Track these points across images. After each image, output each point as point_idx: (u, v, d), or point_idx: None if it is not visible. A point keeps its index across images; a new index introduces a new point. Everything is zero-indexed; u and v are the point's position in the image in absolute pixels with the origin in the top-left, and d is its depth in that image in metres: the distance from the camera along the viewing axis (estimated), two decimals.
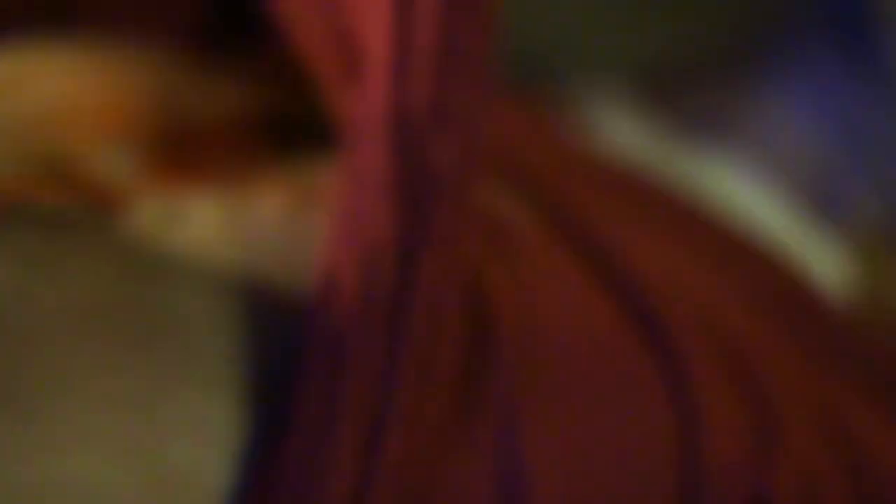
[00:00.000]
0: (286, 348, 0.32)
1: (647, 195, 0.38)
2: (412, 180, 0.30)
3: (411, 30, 0.30)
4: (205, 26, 0.46)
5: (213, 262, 0.36)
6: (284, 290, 0.35)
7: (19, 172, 0.39)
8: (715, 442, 0.31)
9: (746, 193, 0.53)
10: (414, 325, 0.30)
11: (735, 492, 0.31)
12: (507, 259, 0.33)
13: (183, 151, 0.40)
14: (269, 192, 0.39)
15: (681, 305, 0.34)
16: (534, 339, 0.32)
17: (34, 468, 0.32)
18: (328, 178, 0.39)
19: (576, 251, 0.34)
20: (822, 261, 0.51)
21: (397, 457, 0.29)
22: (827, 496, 0.31)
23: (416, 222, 0.30)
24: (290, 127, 0.42)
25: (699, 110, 0.54)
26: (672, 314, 0.33)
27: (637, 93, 0.55)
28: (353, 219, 0.31)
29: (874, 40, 0.53)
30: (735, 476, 0.31)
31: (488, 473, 0.29)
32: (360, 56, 0.32)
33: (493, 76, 0.31)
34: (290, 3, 0.34)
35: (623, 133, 0.54)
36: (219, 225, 0.38)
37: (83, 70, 0.43)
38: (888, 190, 0.52)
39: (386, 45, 0.30)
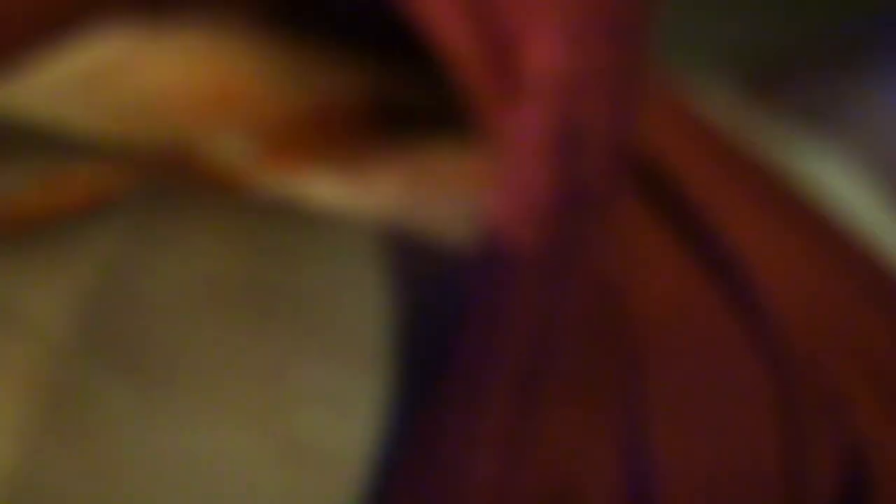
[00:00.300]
0: (424, 321, 0.33)
1: (766, 182, 0.38)
2: (568, 142, 0.31)
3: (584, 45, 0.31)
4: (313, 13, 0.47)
5: (339, 234, 0.36)
6: (412, 261, 0.35)
7: (138, 155, 0.39)
8: (820, 457, 0.31)
9: (846, 186, 0.53)
10: (571, 286, 0.30)
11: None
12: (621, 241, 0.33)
13: (297, 135, 0.41)
14: (385, 170, 0.39)
15: (793, 298, 0.33)
16: (657, 332, 0.32)
17: (164, 438, 0.32)
18: (442, 156, 0.40)
19: (686, 236, 0.34)
20: None
21: (546, 435, 0.29)
22: None
23: (573, 183, 0.30)
24: (394, 111, 0.42)
25: (803, 101, 0.54)
26: (782, 309, 0.33)
27: (738, 82, 0.55)
28: (517, 182, 0.31)
29: None
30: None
31: (617, 468, 0.29)
32: (517, 63, 0.32)
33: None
34: (436, 7, 0.34)
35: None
36: (338, 203, 0.38)
37: (196, 55, 0.43)
38: None
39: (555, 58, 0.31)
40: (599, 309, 0.31)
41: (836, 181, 0.53)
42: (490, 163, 0.39)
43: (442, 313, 0.32)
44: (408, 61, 0.44)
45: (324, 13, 0.46)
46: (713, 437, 0.31)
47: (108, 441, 0.32)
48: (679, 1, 0.55)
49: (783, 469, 0.31)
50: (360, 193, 0.39)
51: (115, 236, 0.35)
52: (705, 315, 0.32)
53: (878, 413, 0.31)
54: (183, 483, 0.32)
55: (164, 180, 0.38)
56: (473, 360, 0.30)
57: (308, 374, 0.33)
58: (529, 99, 0.32)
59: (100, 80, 0.42)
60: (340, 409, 0.32)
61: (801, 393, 0.32)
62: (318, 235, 0.36)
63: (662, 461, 0.30)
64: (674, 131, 0.35)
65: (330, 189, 0.39)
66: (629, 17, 0.32)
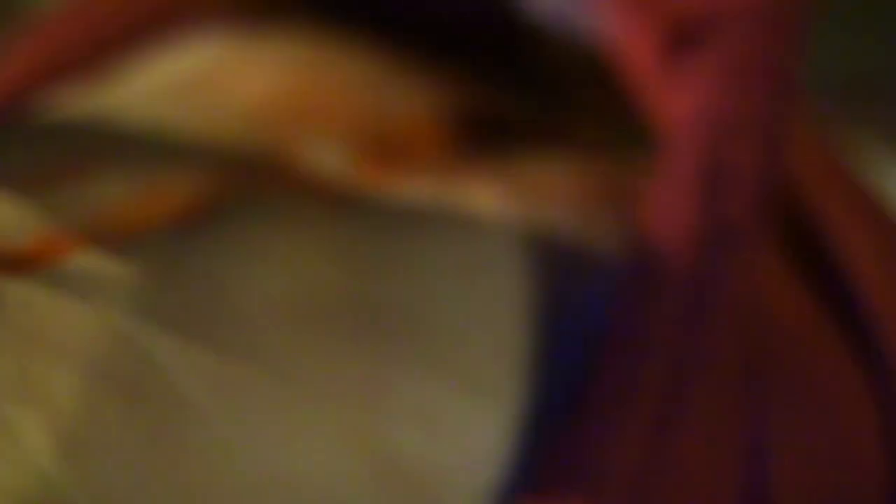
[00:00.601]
0: (543, 340, 0.32)
1: (887, 220, 0.37)
2: (717, 179, 0.31)
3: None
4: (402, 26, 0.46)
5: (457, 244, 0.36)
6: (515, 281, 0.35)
7: (236, 163, 0.38)
8: None
9: None
10: (709, 318, 0.30)
11: None
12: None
13: (393, 145, 0.40)
14: (480, 184, 0.39)
15: None
16: (783, 362, 0.32)
17: (255, 460, 0.32)
18: (541, 172, 0.39)
19: (816, 270, 0.35)
20: None
21: (685, 448, 0.29)
22: None
23: (716, 224, 0.31)
24: (486, 126, 0.42)
25: (888, 124, 0.53)
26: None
27: (827, 105, 0.54)
28: (662, 213, 0.32)
29: None
30: None
31: (735, 473, 0.29)
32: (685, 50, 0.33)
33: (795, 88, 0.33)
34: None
35: None
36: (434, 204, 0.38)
37: (294, 62, 0.43)
38: None
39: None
40: (735, 340, 0.31)
41: None
42: (594, 178, 0.38)
43: (578, 334, 0.32)
44: (504, 73, 0.44)
45: (421, 21, 0.46)
46: (827, 463, 0.31)
47: (198, 452, 0.31)
48: None
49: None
50: (457, 205, 0.38)
51: (211, 248, 0.35)
52: (828, 350, 0.33)
53: None
54: (273, 494, 0.31)
55: (261, 187, 0.37)
56: (613, 383, 0.30)
57: (411, 393, 0.32)
58: (682, 132, 0.33)
59: (198, 85, 0.42)
60: (444, 431, 0.32)
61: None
62: (430, 245, 0.35)
63: (779, 490, 0.30)
64: (809, 165, 0.35)
65: (425, 196, 0.38)
66: (783, 57, 0.33)
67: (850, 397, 0.32)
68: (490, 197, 0.38)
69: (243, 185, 0.37)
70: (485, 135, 0.42)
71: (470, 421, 0.32)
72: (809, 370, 0.32)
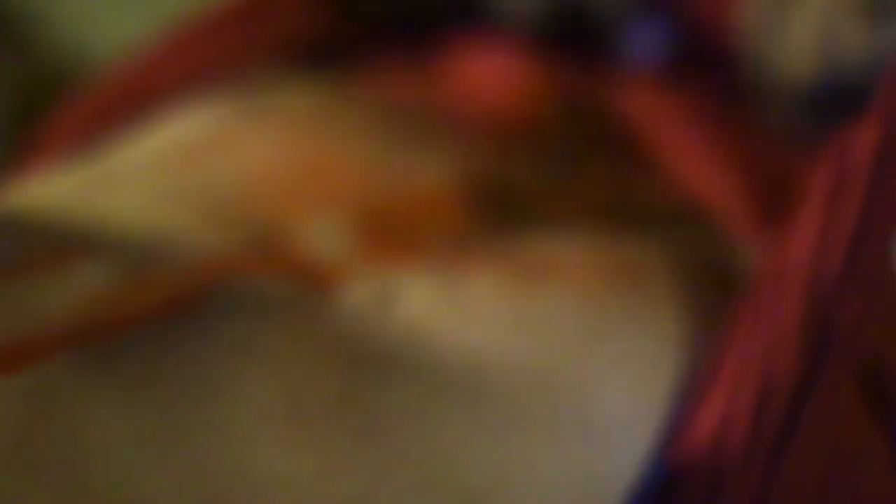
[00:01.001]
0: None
1: None
2: (818, 333, 0.34)
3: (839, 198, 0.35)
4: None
5: (435, 349, 0.34)
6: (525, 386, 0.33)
7: (226, 243, 0.37)
8: None
9: None
10: (792, 469, 0.32)
11: None
12: None
13: (394, 223, 0.38)
14: (483, 270, 0.37)
15: None
16: None
17: None
18: (551, 250, 0.37)
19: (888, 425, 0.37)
20: None
21: None
22: None
23: (813, 372, 0.33)
24: (497, 199, 0.40)
25: None
26: None
27: None
28: (754, 360, 0.34)
29: None
30: None
31: None
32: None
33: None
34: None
35: None
36: (433, 305, 0.36)
37: (293, 131, 0.41)
38: None
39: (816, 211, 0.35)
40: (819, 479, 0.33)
41: None
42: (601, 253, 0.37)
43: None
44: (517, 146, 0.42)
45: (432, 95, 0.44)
46: None
47: None
48: None
49: None
50: (455, 293, 0.36)
51: (194, 348, 0.33)
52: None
53: None
54: None
55: (253, 275, 0.36)
56: None
57: None
58: (786, 282, 0.35)
59: (197, 153, 0.40)
60: None
61: None
62: (415, 347, 0.34)
63: None
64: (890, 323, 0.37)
65: (424, 289, 0.36)
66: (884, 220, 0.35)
67: None
68: (490, 285, 0.36)
69: (233, 272, 0.35)
70: (495, 205, 0.40)
71: None
72: None
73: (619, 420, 0.34)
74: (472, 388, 0.34)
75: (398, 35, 0.47)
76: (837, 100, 0.39)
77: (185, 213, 0.37)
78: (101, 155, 0.41)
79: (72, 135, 0.44)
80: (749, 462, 0.33)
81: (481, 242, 0.38)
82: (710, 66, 0.42)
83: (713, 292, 0.38)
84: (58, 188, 0.38)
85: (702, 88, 0.42)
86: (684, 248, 0.39)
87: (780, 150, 0.40)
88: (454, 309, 0.36)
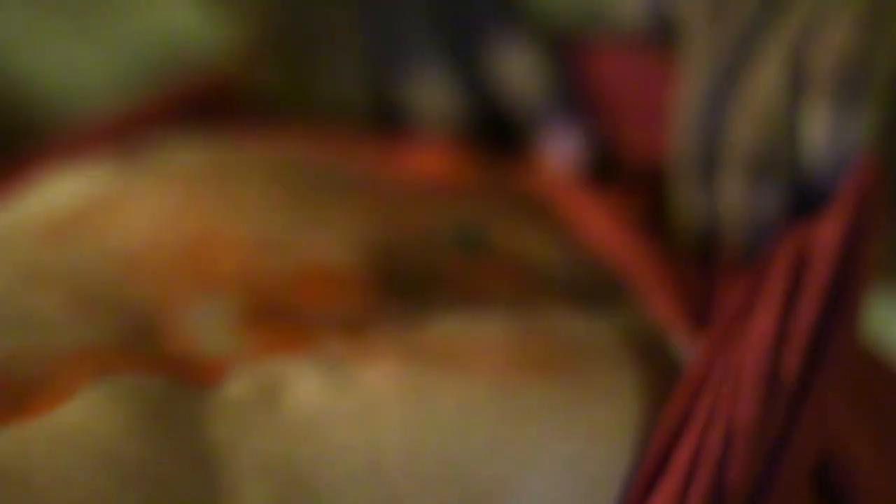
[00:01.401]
0: None
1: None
2: (778, 432, 0.33)
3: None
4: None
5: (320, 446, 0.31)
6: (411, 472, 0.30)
7: (98, 333, 0.33)
8: None
9: None
10: None
11: None
12: None
13: (284, 304, 0.35)
14: (384, 356, 0.33)
15: None
16: None
17: None
18: (454, 336, 0.34)
19: None
20: None
21: None
22: None
23: (770, 472, 0.33)
24: (402, 273, 0.37)
25: None
26: None
27: None
28: (709, 457, 0.33)
29: None
30: None
31: None
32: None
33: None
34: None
35: None
36: (326, 398, 0.32)
37: (179, 196, 0.37)
38: None
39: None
40: None
41: None
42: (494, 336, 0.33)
43: None
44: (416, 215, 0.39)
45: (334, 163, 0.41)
46: None
47: None
48: None
49: None
50: (346, 384, 0.33)
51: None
52: None
53: None
54: None
55: (124, 374, 0.32)
56: None
57: None
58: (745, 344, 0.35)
59: (78, 222, 0.37)
60: None
61: None
62: (305, 448, 0.31)
63: None
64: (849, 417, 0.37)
65: (313, 379, 0.33)
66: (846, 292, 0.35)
67: None
68: (391, 375, 0.33)
69: (105, 368, 0.32)
70: (400, 280, 0.36)
71: None
72: None
73: None
74: (369, 497, 0.31)
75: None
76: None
77: (55, 297, 0.34)
78: None
79: None
80: None
81: (383, 324, 0.35)
82: (630, 178, 0.42)
83: (643, 375, 0.34)
84: None
85: (621, 193, 0.41)
86: (610, 325, 0.36)
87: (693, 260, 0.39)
88: (349, 403, 0.32)
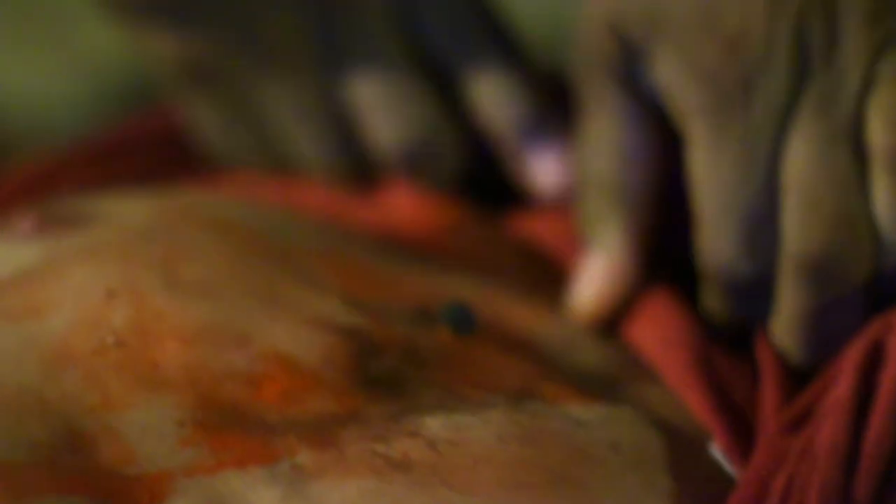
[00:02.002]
0: None
1: None
2: None
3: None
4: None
5: None
6: None
7: (12, 449, 0.28)
8: None
9: None
10: None
11: None
12: None
13: (232, 405, 0.29)
14: (352, 471, 0.28)
15: None
16: None
17: None
18: (440, 445, 0.28)
19: None
20: None
21: None
22: None
23: None
24: (378, 361, 0.31)
25: None
26: None
27: None
28: None
29: None
30: None
31: None
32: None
33: None
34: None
35: None
36: None
37: (115, 264, 0.31)
38: None
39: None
40: None
41: None
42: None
43: None
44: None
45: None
46: None
47: None
48: None
49: None
50: None
51: None
52: None
53: None
54: None
55: (45, 498, 0.27)
56: None
57: None
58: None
59: (8, 306, 0.31)
60: None
61: None
62: None
63: None
64: None
65: (265, 498, 0.27)
66: None
67: None
68: (360, 494, 0.27)
69: (20, 493, 0.27)
70: (375, 371, 0.31)
71: None
72: None
73: None
74: None
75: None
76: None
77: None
78: None
79: None
80: None
81: (355, 428, 0.29)
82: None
83: (674, 491, 0.29)
84: None
85: None
86: (631, 423, 0.30)
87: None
88: None
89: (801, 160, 0.32)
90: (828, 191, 0.31)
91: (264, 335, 0.30)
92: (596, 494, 0.28)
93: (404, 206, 0.38)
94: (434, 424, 0.29)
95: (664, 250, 0.35)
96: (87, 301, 0.31)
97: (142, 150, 0.41)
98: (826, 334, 0.32)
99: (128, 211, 0.34)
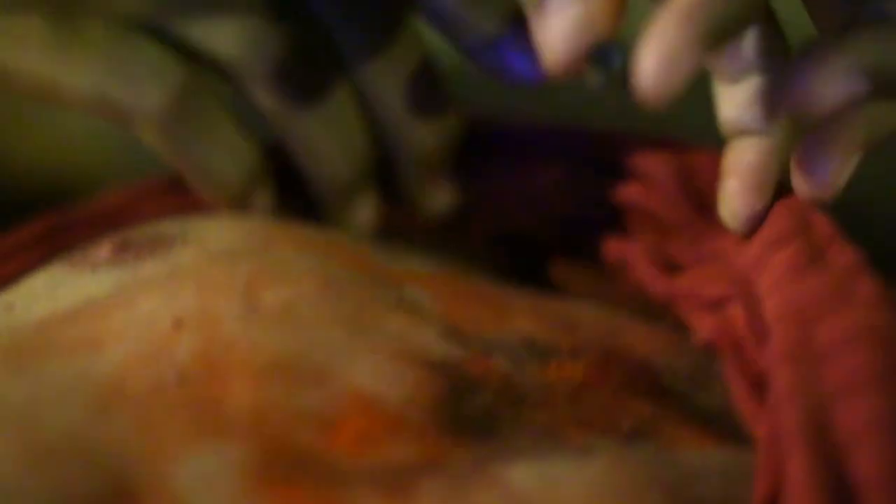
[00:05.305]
0: None
1: None
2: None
3: None
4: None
5: None
6: None
7: (65, 500, 0.24)
8: None
9: None
10: None
11: None
12: None
13: (303, 454, 0.26)
14: None
15: None
16: None
17: None
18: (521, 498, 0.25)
19: None
20: None
21: None
22: None
23: None
24: (464, 408, 0.27)
25: None
26: None
27: None
28: None
29: None
30: None
31: None
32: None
33: None
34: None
35: None
36: None
37: (180, 300, 0.28)
38: None
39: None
40: None
41: None
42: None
43: None
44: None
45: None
46: None
47: None
48: None
49: None
50: None
51: None
52: None
53: None
54: None
55: None
56: None
57: None
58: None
59: (42, 339, 0.28)
60: None
61: None
62: None
63: None
64: None
65: None
66: None
67: None
68: None
69: None
70: (460, 418, 0.27)
71: None
72: None
73: None
74: None
75: None
76: None
77: (2, 447, 0.25)
78: None
79: None
80: None
81: (431, 477, 0.26)
82: None
83: None
84: None
85: None
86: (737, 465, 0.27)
87: None
88: None
89: None
90: None
91: (344, 370, 0.27)
92: None
93: None
94: (519, 475, 0.26)
95: None
96: (151, 332, 0.27)
97: None
98: None
99: (213, 232, 0.31)
